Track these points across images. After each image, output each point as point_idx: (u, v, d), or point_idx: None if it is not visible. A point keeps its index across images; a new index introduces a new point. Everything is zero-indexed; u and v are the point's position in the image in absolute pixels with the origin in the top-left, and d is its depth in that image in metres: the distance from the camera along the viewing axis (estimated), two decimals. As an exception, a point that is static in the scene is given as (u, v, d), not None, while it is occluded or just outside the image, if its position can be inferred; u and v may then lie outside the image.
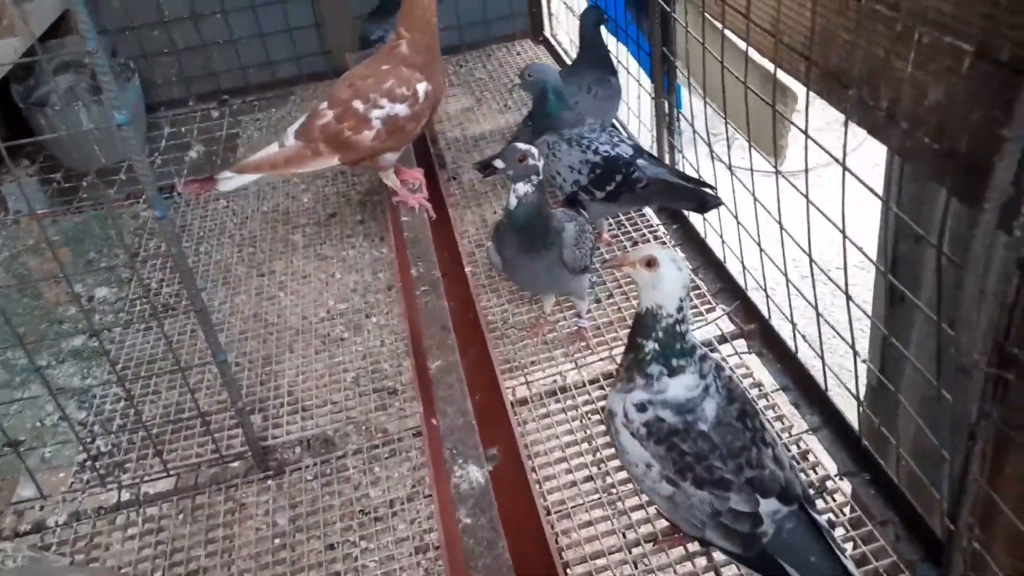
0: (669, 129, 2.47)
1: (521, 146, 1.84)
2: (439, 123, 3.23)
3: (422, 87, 2.23)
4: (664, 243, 1.45)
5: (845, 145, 1.31)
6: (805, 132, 1.44)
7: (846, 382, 1.69)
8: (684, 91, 2.47)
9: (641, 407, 1.37)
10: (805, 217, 1.53)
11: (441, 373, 1.58)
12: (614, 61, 2.76)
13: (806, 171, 1.50)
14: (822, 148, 1.44)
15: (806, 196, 1.53)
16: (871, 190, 1.39)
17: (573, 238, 1.91)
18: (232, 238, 2.73)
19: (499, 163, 1.86)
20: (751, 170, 1.78)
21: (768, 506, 1.31)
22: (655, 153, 2.51)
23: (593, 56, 2.73)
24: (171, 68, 3.68)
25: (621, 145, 2.25)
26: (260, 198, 2.92)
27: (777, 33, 1.48)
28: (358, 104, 2.17)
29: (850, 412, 1.75)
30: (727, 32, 1.78)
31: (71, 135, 3.10)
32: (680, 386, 1.36)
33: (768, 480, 1.32)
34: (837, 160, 1.38)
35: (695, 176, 2.23)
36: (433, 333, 1.72)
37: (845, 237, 1.42)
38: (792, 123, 1.57)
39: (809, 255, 1.58)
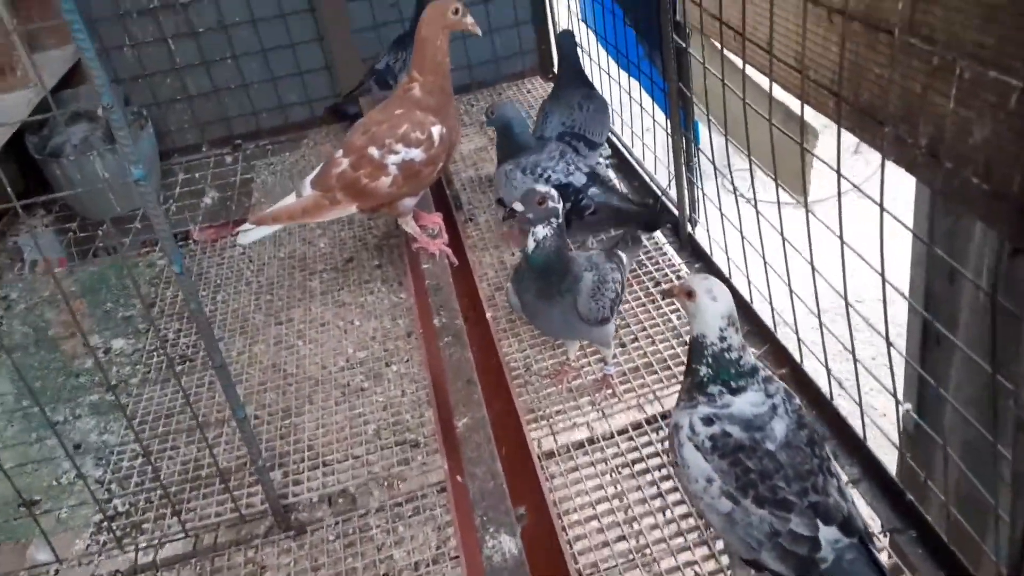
0: (688, 165, 2.43)
1: (540, 188, 1.81)
2: (453, 164, 3.21)
3: (436, 130, 2.20)
4: (706, 276, 1.41)
5: (883, 186, 1.26)
6: (838, 172, 1.39)
7: (877, 421, 1.63)
8: (702, 127, 2.44)
9: (708, 420, 1.36)
10: (832, 253, 1.49)
11: (468, 431, 1.53)
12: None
13: (840, 213, 1.45)
14: (855, 186, 1.39)
15: (840, 237, 1.47)
16: (910, 230, 1.34)
17: (590, 289, 1.85)
18: (249, 285, 2.70)
19: (518, 206, 1.83)
20: (777, 203, 1.73)
21: (829, 534, 1.28)
22: (674, 187, 2.48)
23: (574, 76, 2.92)
24: (184, 114, 3.69)
25: (575, 173, 2.36)
26: (276, 244, 2.90)
27: (803, 68, 1.44)
28: (373, 151, 2.14)
29: (887, 456, 1.69)
30: (746, 66, 1.75)
31: (87, 188, 3.09)
32: (746, 403, 1.36)
33: (832, 508, 1.29)
34: (874, 200, 1.33)
35: (651, 197, 2.44)
36: (459, 388, 1.67)
37: (884, 280, 1.37)
38: (823, 161, 1.52)
39: (845, 298, 1.52)
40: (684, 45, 2.13)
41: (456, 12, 2.15)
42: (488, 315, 2.30)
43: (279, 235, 2.93)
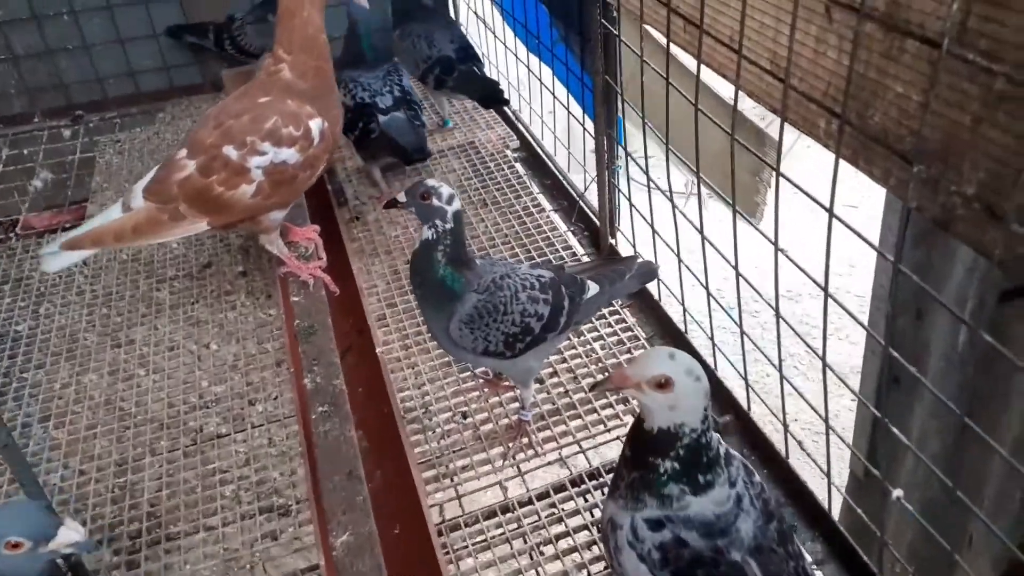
0: (610, 169, 2.13)
1: (430, 182, 1.51)
2: (336, 151, 2.79)
3: (315, 124, 1.79)
4: (670, 350, 1.08)
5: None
6: (830, 213, 1.12)
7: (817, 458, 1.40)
8: (625, 123, 2.15)
9: (656, 524, 1.08)
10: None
11: (350, 555, 1.17)
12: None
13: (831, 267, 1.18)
14: (846, 226, 1.12)
15: (821, 285, 1.21)
16: (887, 258, 1.09)
17: (466, 314, 1.51)
18: (82, 295, 2.21)
19: (402, 197, 1.52)
20: (734, 232, 1.46)
21: None
22: (593, 191, 2.19)
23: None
24: (8, 77, 3.07)
25: (384, 96, 2.38)
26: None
27: (785, 76, 1.15)
28: (230, 150, 1.71)
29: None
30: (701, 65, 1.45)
31: None
32: (708, 501, 1.07)
33: None
34: (876, 248, 1.06)
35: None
36: (337, 486, 1.30)
37: (867, 330, 1.11)
38: (801, 190, 1.24)
39: (824, 357, 1.26)
40: (615, 32, 1.82)
41: None
42: (378, 348, 1.92)
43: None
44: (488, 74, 2.88)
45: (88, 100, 3.18)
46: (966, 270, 1.40)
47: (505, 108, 3.07)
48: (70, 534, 1.10)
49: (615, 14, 1.81)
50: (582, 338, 1.95)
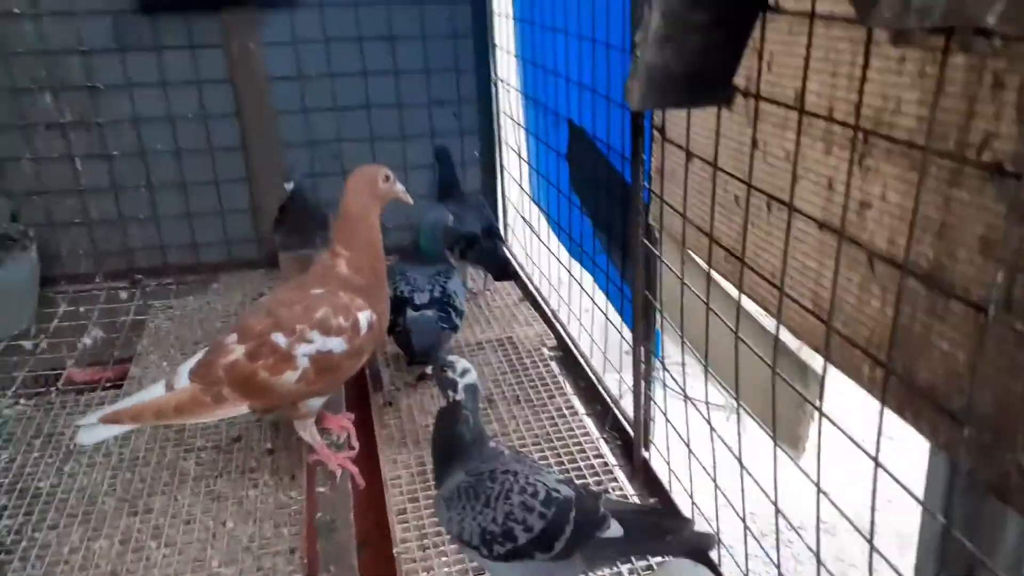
0: (646, 381, 2.14)
1: (450, 357, 1.65)
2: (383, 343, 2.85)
3: (364, 316, 1.87)
4: (693, 564, 1.05)
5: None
6: (877, 464, 1.10)
7: None
8: (663, 336, 2.18)
9: None
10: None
11: None
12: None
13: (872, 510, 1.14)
14: (894, 479, 1.09)
15: (867, 537, 1.16)
16: (936, 516, 1.04)
17: (448, 490, 1.54)
18: (108, 457, 2.20)
19: (429, 369, 1.72)
20: (775, 460, 1.43)
21: None
22: (629, 400, 2.18)
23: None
24: (81, 240, 3.27)
25: (423, 292, 2.43)
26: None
27: (827, 318, 1.18)
28: (279, 338, 1.77)
29: None
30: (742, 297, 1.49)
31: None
32: None
33: None
34: (922, 503, 1.03)
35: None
36: None
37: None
38: (836, 426, 1.23)
39: None
40: (656, 253, 1.89)
41: (387, 179, 1.92)
42: (395, 547, 1.86)
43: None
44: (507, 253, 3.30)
45: (149, 265, 3.35)
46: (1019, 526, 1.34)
47: (544, 306, 3.16)
48: None
49: (657, 235, 1.90)
50: (613, 570, 1.86)
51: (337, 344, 1.81)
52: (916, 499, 1.10)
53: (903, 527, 2.68)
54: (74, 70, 3.10)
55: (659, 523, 1.54)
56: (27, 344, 2.82)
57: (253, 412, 1.82)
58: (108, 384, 2.55)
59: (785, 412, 1.48)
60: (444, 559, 1.85)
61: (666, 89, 1.33)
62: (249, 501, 2.04)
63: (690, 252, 1.72)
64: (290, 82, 3.33)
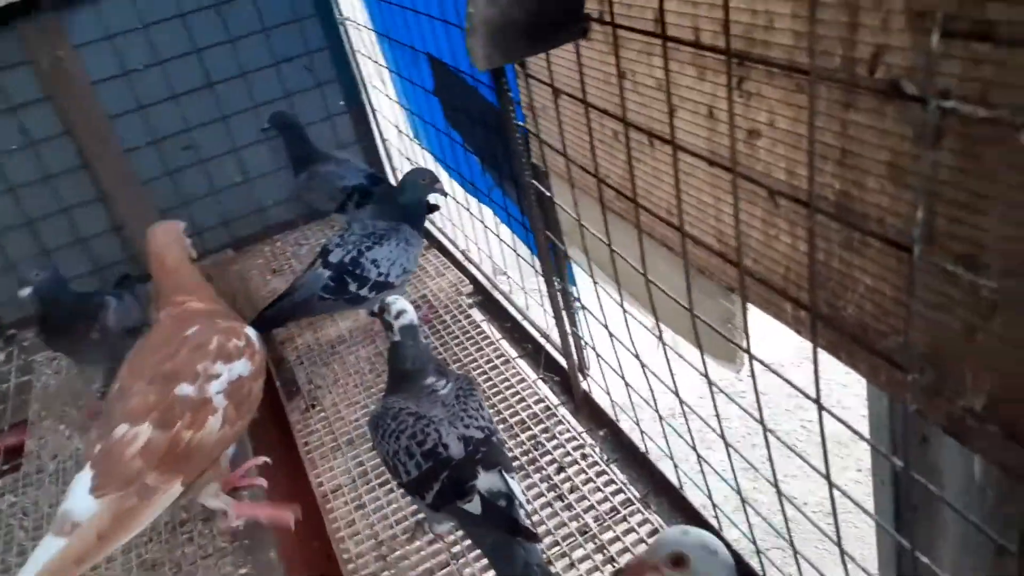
0: (568, 312, 2.03)
1: (388, 299, 1.79)
2: (284, 330, 2.67)
3: (251, 331, 1.78)
4: (683, 528, 0.99)
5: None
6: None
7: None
8: (576, 268, 2.07)
9: None
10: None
11: None
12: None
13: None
14: (838, 419, 1.01)
15: (830, 482, 1.09)
16: (892, 460, 0.98)
17: (374, 412, 1.74)
18: (23, 556, 2.01)
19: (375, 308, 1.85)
20: (709, 384, 1.34)
21: None
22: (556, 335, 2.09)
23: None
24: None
25: (337, 249, 2.35)
26: (62, 481, 2.22)
27: (737, 259, 1.06)
28: (185, 388, 1.60)
29: None
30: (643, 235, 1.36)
31: None
32: None
33: None
34: (868, 441, 0.95)
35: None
36: None
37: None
38: (773, 371, 1.14)
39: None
40: (548, 194, 1.74)
41: (185, 231, 1.95)
42: (350, 565, 1.75)
43: (66, 468, 2.26)
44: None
45: (18, 317, 3.05)
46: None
47: (453, 251, 3.01)
48: None
49: (545, 177, 1.75)
50: (571, 512, 1.80)
51: (243, 367, 1.71)
52: (866, 440, 1.02)
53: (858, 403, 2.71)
54: None
55: (517, 527, 1.50)
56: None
57: (183, 491, 1.63)
58: (5, 468, 2.32)
59: (712, 333, 1.39)
60: (406, 563, 1.76)
61: (511, 40, 1.17)
62: (187, 560, 1.88)
63: (580, 190, 1.58)
64: (117, 81, 2.98)
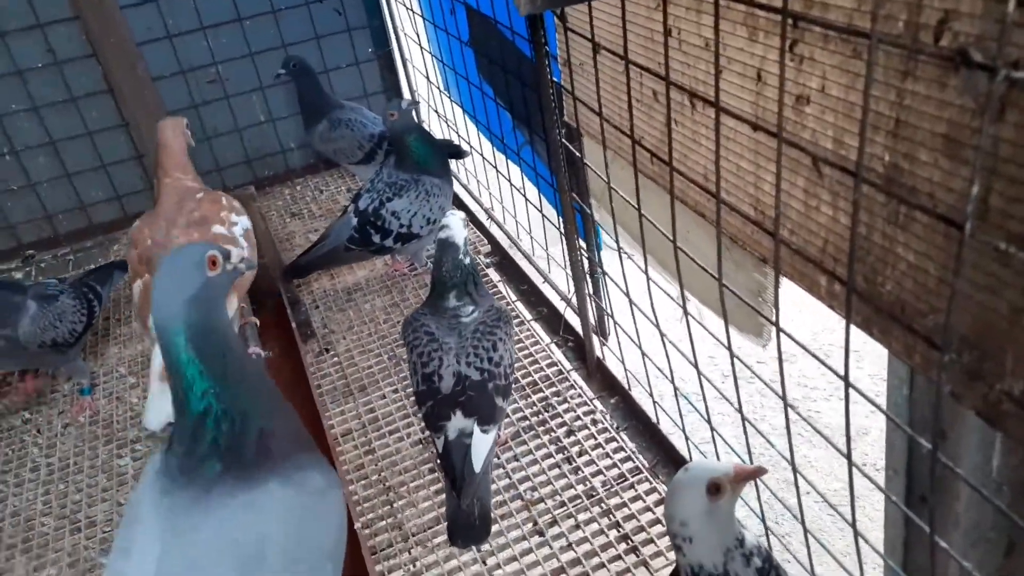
0: (592, 280, 2.02)
1: (448, 213, 1.84)
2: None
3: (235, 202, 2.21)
4: (668, 472, 1.00)
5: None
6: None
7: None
8: (604, 233, 2.05)
9: None
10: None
11: None
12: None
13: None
14: (865, 397, 1.00)
15: (850, 461, 1.08)
16: (920, 441, 0.96)
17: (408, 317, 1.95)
18: (37, 471, 2.04)
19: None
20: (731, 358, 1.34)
21: None
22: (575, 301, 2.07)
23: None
24: (-48, 226, 2.95)
25: (366, 194, 2.35)
26: (74, 403, 2.24)
27: (774, 230, 1.04)
28: (218, 228, 2.04)
29: None
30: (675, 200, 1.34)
31: None
32: None
33: None
34: (886, 412, 0.94)
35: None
36: None
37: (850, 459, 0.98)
38: (810, 352, 1.12)
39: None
40: (579, 155, 1.72)
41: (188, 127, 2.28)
42: (356, 524, 1.76)
43: (75, 392, 2.28)
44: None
45: (38, 238, 3.06)
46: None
47: (475, 209, 2.99)
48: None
49: (580, 135, 1.72)
50: (579, 475, 1.80)
51: (247, 221, 2.16)
52: (891, 418, 1.01)
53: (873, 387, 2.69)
54: None
55: (454, 482, 1.56)
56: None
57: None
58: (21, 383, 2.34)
59: (742, 305, 1.38)
60: (413, 511, 1.77)
61: (557, -16, 1.13)
62: (197, 489, 1.91)
63: (613, 152, 1.56)
64: (147, 7, 2.95)
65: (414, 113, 2.42)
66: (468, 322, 1.71)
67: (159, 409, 1.80)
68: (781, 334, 1.11)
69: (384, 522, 1.76)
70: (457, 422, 1.58)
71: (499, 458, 1.85)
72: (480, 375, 1.63)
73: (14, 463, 2.08)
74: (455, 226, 1.78)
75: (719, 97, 1.06)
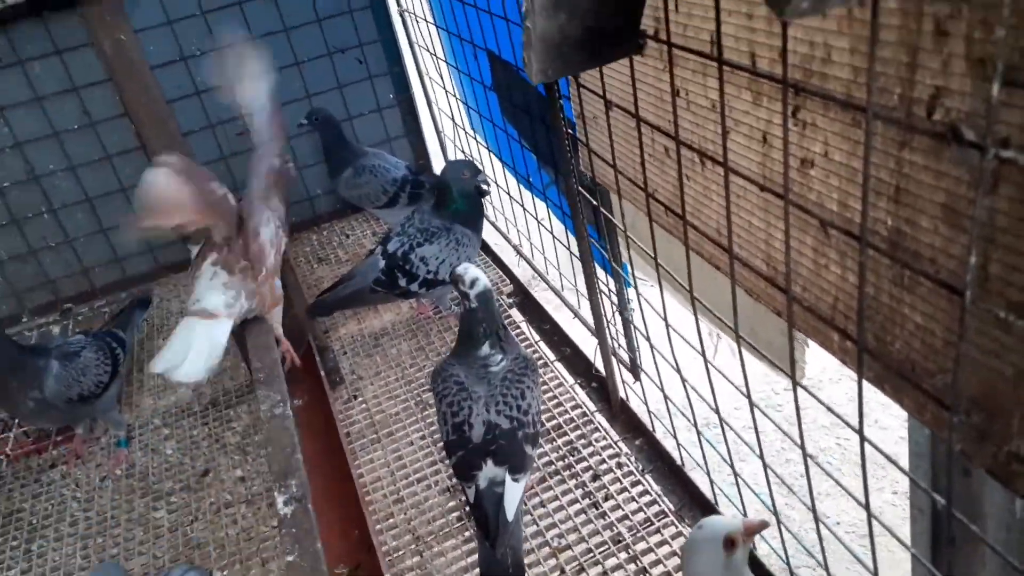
0: (625, 324, 2.04)
1: (459, 269, 1.81)
2: (329, 319, 2.71)
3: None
4: (693, 516, 1.02)
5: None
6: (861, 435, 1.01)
7: None
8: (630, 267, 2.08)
9: None
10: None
11: None
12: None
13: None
14: (880, 452, 1.01)
15: (868, 511, 1.08)
16: (934, 497, 0.97)
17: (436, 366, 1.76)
18: (75, 525, 2.09)
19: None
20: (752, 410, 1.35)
21: None
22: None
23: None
24: (-5, 283, 3.06)
25: (396, 237, 2.39)
26: (109, 456, 2.30)
27: (786, 286, 1.06)
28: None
29: None
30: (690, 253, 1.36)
31: None
32: None
33: None
34: (909, 475, 0.95)
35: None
36: None
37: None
38: (818, 399, 1.14)
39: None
40: (596, 204, 1.75)
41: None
42: (387, 559, 1.79)
43: (112, 445, 2.34)
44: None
45: (76, 292, 3.15)
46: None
47: (496, 250, 3.03)
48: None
49: (595, 185, 1.75)
50: (605, 520, 1.81)
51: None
52: (907, 474, 1.02)
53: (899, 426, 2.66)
54: (-67, 104, 2.81)
55: (487, 532, 1.57)
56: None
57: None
58: (59, 440, 2.41)
59: (774, 340, 1.39)
60: (442, 560, 1.79)
61: (567, 54, 1.16)
62: (231, 541, 1.95)
63: (628, 202, 1.59)
64: (175, 66, 3.05)
65: (482, 186, 2.47)
66: (497, 371, 1.74)
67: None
68: (797, 386, 1.13)
69: (414, 573, 1.78)
70: (488, 471, 1.60)
71: (526, 504, 1.86)
72: (510, 423, 1.65)
73: (53, 517, 2.13)
74: (482, 276, 1.81)
75: (727, 157, 1.10)
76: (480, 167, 2.47)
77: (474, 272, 1.81)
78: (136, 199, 1.97)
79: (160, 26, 3.01)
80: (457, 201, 2.39)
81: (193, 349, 1.95)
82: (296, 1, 3.14)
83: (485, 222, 2.87)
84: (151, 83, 3.03)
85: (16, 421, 2.45)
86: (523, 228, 2.84)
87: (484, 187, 2.44)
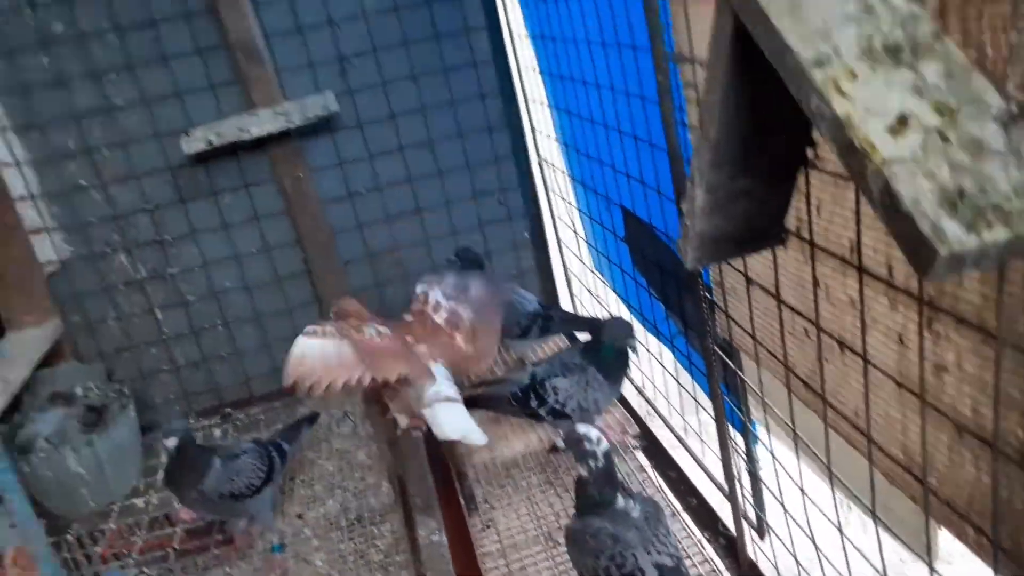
0: (754, 482, 2.10)
1: (580, 428, 1.80)
2: (461, 447, 2.88)
3: None
4: None
5: None
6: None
7: None
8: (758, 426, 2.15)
9: None
10: None
11: None
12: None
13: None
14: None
15: None
16: None
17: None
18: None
19: (560, 443, 2.03)
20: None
21: None
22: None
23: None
24: (170, 386, 3.42)
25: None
26: (266, 560, 2.50)
27: (923, 477, 1.14)
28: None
29: None
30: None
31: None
32: None
33: None
34: None
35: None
36: None
37: None
38: None
39: None
40: (733, 367, 1.87)
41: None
42: None
43: (267, 551, 2.54)
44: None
45: (236, 399, 3.48)
46: None
47: (627, 389, 3.15)
48: None
49: (729, 348, 1.88)
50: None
51: None
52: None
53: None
54: (143, 228, 3.26)
55: None
56: (139, 502, 2.94)
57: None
58: (219, 539, 2.64)
59: (907, 519, 1.44)
60: None
61: (719, 246, 1.33)
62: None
63: (765, 369, 1.70)
64: (342, 201, 3.43)
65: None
66: (637, 517, 1.79)
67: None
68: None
69: None
70: None
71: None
72: (673, 561, 1.71)
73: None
74: (601, 435, 1.83)
75: (866, 351, 1.21)
76: (634, 335, 2.59)
77: (595, 431, 1.84)
78: (284, 368, 2.26)
79: (332, 166, 3.41)
80: (605, 351, 2.51)
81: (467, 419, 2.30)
82: (448, 151, 3.50)
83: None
84: (321, 216, 3.43)
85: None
86: (647, 370, 2.96)
87: (633, 347, 2.56)
